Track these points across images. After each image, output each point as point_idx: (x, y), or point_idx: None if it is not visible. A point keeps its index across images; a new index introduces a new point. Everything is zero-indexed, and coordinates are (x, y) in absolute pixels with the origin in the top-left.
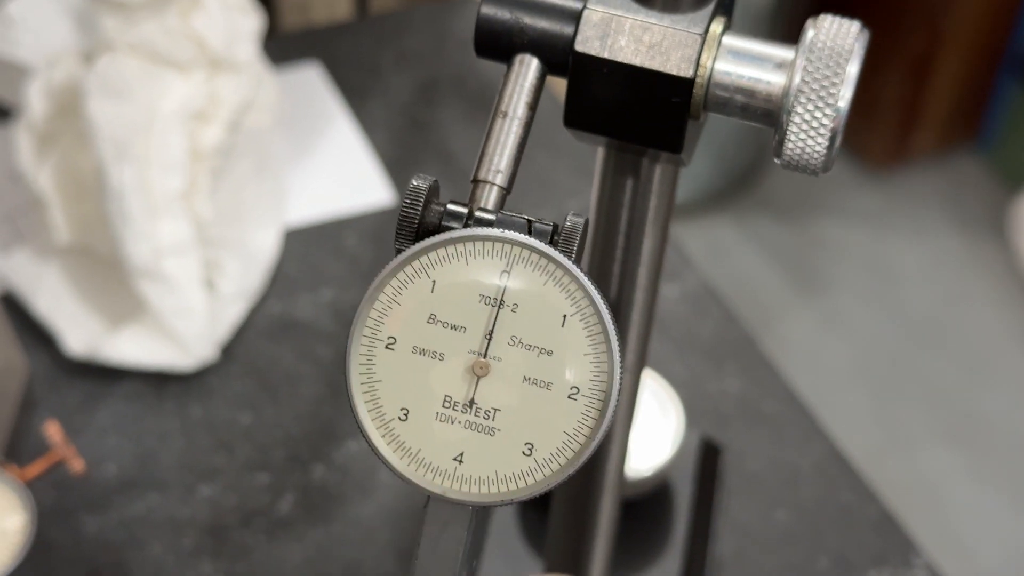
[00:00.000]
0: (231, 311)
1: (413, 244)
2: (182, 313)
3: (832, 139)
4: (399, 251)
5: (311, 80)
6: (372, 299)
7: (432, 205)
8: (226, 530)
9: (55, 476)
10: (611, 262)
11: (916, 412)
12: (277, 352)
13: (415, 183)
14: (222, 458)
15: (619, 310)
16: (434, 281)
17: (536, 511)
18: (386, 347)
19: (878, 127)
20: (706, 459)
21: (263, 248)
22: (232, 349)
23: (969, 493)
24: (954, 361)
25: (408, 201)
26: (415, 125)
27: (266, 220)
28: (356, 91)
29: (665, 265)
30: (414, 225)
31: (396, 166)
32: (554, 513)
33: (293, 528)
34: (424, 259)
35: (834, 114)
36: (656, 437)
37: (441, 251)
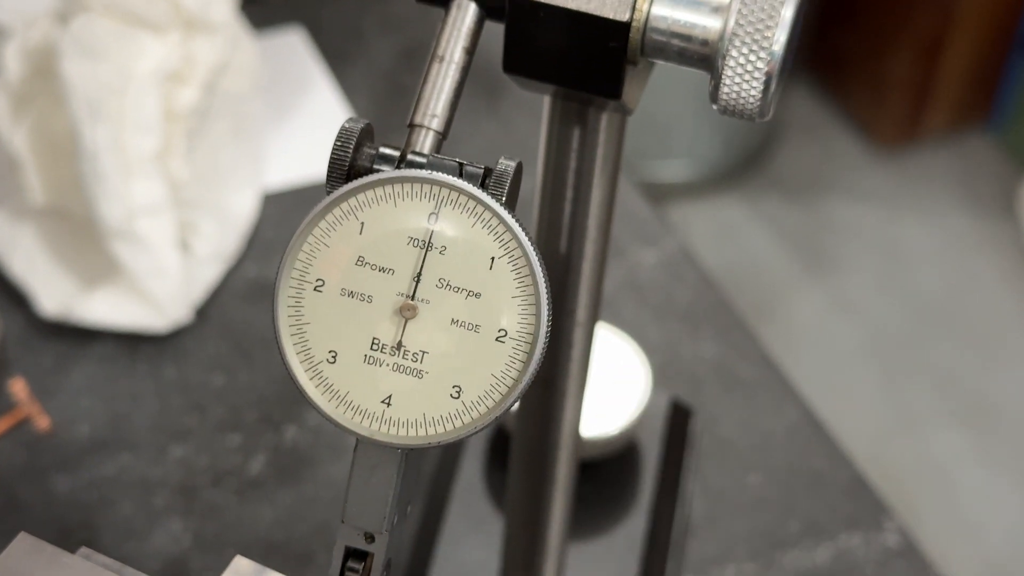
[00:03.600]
0: (206, 273)
1: None
2: (156, 274)
3: (767, 83)
4: (329, 193)
5: (293, 45)
6: (300, 241)
7: (364, 148)
8: (197, 490)
9: (26, 436)
10: (560, 214)
11: (925, 394)
12: (252, 315)
13: (347, 125)
14: (194, 419)
15: (569, 263)
16: (363, 223)
17: (500, 471)
18: (314, 289)
19: (889, 107)
20: (676, 421)
21: (240, 211)
22: (207, 311)
23: (977, 475)
24: (963, 342)
25: (340, 143)
26: (398, 91)
27: (243, 183)
28: (339, 56)
29: (642, 229)
30: (345, 167)
31: (378, 132)
32: (512, 471)
33: (264, 488)
34: (352, 200)
35: (768, 57)
36: (623, 398)
37: (369, 192)
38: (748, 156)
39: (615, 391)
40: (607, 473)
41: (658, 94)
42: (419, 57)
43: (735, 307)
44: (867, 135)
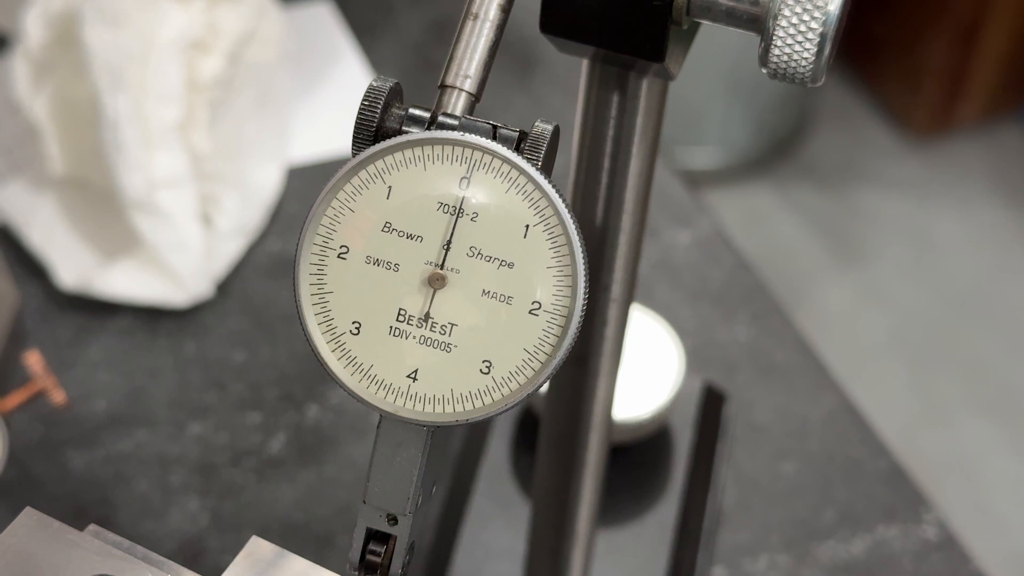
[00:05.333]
0: (228, 247)
1: None
2: (176, 247)
3: (821, 45)
4: (356, 156)
5: (321, 16)
6: (324, 205)
7: (393, 109)
8: (215, 468)
9: (42, 410)
10: (596, 186)
11: (954, 385)
12: (274, 290)
13: (375, 83)
14: (214, 396)
15: (605, 236)
16: (390, 187)
17: (528, 453)
18: (338, 256)
19: (923, 95)
20: (709, 406)
21: (263, 184)
22: (228, 286)
23: (1006, 467)
24: (994, 334)
25: (367, 103)
26: (426, 64)
27: (267, 156)
28: (367, 29)
29: (677, 210)
30: (372, 129)
31: None
32: (540, 453)
33: (284, 468)
34: (380, 163)
35: (823, 18)
36: (655, 381)
37: (398, 155)
38: (779, 143)
39: (647, 373)
40: (637, 458)
41: (689, 80)
42: (449, 31)
43: (771, 290)
44: (900, 123)
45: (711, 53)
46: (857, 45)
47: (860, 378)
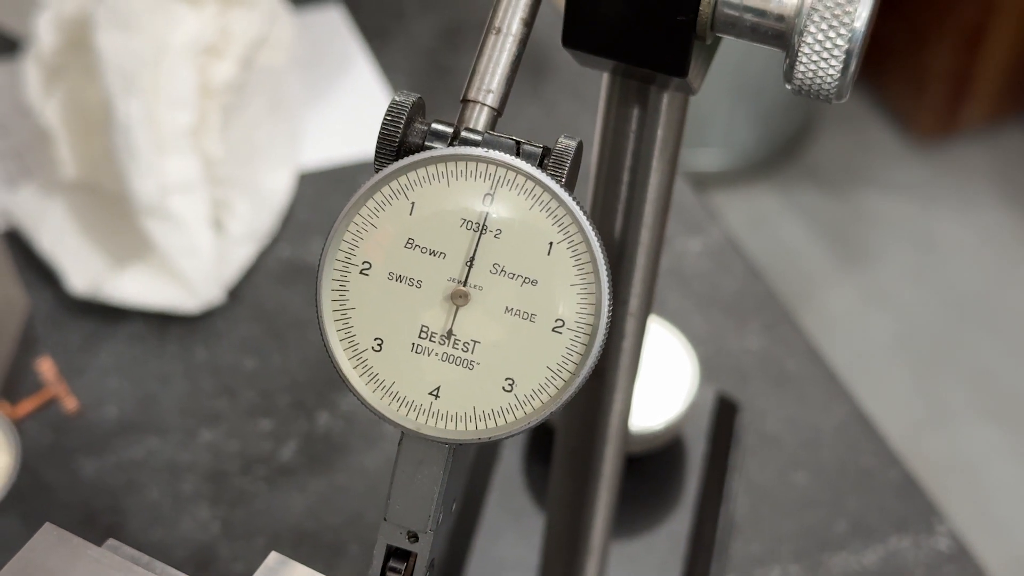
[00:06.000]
0: (239, 253)
1: None
2: (188, 253)
3: (847, 62)
4: (378, 171)
5: (332, 21)
6: (347, 220)
7: (415, 124)
8: (226, 476)
9: (52, 417)
10: (615, 199)
11: (958, 389)
12: (286, 296)
13: (397, 99)
14: (225, 403)
15: (623, 250)
16: (413, 203)
17: (541, 464)
18: (360, 272)
19: (927, 98)
20: (722, 416)
21: (275, 190)
22: (240, 292)
23: (1009, 472)
24: (998, 337)
25: (390, 118)
26: (438, 70)
27: (279, 161)
28: (378, 34)
29: (688, 218)
30: (395, 144)
31: None
32: (555, 466)
33: (295, 476)
34: (403, 179)
35: (849, 35)
36: (669, 391)
37: (421, 171)
38: (783, 146)
39: (661, 384)
40: (651, 468)
41: None
42: (461, 36)
43: (782, 299)
44: (905, 126)
45: (716, 55)
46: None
47: (864, 381)
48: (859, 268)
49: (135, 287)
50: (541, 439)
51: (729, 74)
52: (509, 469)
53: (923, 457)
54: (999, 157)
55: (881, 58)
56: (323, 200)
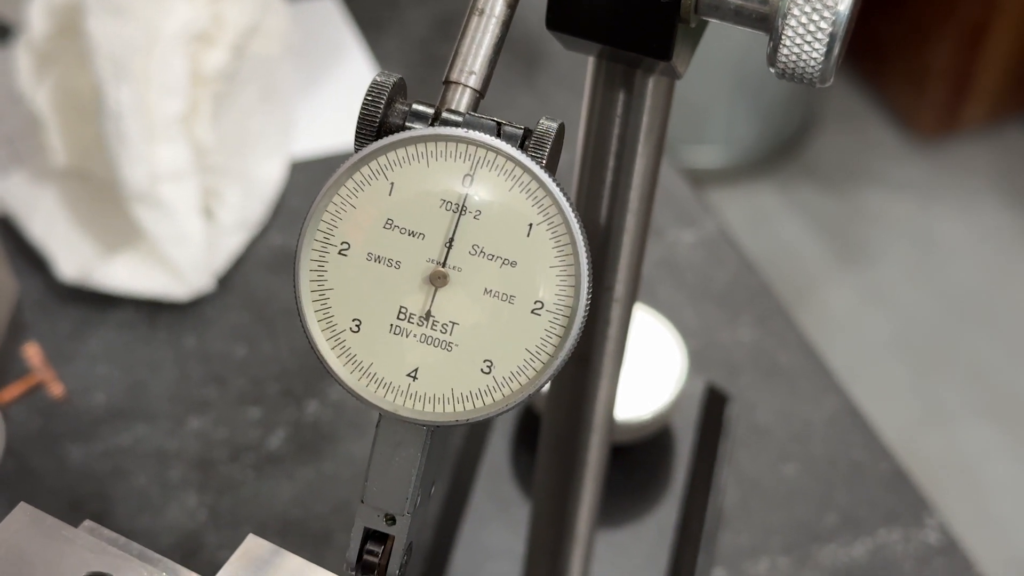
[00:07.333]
0: (230, 241)
1: None
2: (178, 240)
3: (830, 45)
4: (358, 151)
5: (326, 10)
6: (325, 200)
7: (396, 104)
8: (214, 464)
9: (40, 403)
10: (600, 184)
11: (956, 388)
12: (276, 285)
13: (378, 78)
14: (214, 391)
15: (609, 236)
16: (392, 184)
17: (528, 452)
18: (339, 253)
19: (928, 96)
20: (711, 407)
21: (266, 178)
22: (230, 280)
23: (1007, 471)
24: (997, 338)
25: (370, 98)
26: (432, 60)
27: (271, 150)
28: (372, 24)
29: (681, 209)
30: (375, 124)
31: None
32: (541, 453)
33: (283, 464)
34: (382, 159)
35: (833, 17)
36: (657, 381)
37: (401, 151)
38: (783, 143)
39: (649, 373)
40: (639, 458)
41: (694, 78)
42: (454, 26)
43: (775, 292)
44: (905, 125)
45: (716, 51)
46: (863, 46)
47: (861, 379)
48: (858, 266)
49: (125, 274)
50: (528, 427)
51: (729, 71)
52: (496, 458)
53: (920, 455)
54: (999, 156)
55: (882, 56)
56: (315, 189)
